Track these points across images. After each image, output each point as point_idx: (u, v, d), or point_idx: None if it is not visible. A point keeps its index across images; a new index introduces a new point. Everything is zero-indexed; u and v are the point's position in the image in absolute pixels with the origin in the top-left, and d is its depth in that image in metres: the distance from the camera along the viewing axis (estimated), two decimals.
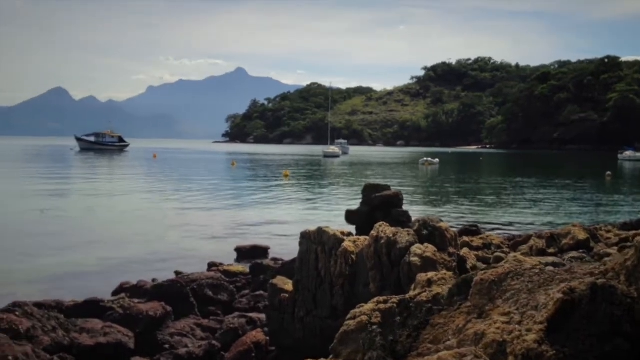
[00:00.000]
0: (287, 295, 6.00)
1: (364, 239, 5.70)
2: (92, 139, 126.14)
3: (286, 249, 16.37)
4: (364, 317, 3.57)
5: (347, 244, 5.55)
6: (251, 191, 36.19)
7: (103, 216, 23.02)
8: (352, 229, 8.31)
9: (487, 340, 3.00)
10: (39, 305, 8.90)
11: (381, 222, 5.58)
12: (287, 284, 6.21)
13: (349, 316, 3.78)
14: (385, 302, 3.59)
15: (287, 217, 23.76)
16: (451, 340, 3.16)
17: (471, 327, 3.15)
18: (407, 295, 3.66)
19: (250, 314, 8.41)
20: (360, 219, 11.36)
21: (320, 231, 5.69)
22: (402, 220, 10.64)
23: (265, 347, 6.14)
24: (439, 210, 26.08)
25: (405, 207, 11.88)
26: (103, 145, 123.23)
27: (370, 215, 11.22)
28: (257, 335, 6.25)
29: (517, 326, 3.05)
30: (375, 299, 3.70)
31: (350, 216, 11.71)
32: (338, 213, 24.73)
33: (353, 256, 5.48)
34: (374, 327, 3.29)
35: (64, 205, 26.66)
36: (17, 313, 7.60)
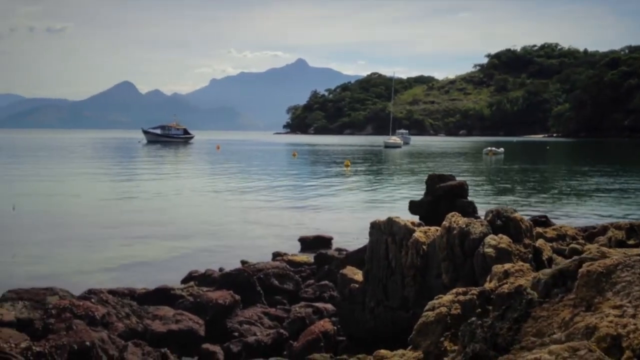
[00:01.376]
0: (357, 286, 5.98)
1: (434, 230, 5.61)
2: (159, 131, 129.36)
3: (349, 239, 16.37)
4: (443, 309, 3.50)
5: (418, 234, 5.48)
6: (312, 181, 36.35)
7: (170, 207, 23.59)
8: (415, 219, 8.21)
9: (599, 334, 2.89)
10: (112, 292, 9.21)
11: (453, 213, 5.48)
12: (357, 274, 6.19)
13: (427, 307, 3.72)
14: (464, 293, 3.52)
15: (348, 207, 23.75)
16: (558, 333, 3.05)
17: (580, 320, 3.03)
18: (486, 287, 3.58)
19: (317, 304, 8.44)
20: (423, 209, 11.24)
21: (390, 221, 5.64)
22: (468, 210, 10.45)
23: (334, 336, 6.15)
24: (505, 201, 25.52)
25: (469, 198, 11.69)
26: (169, 137, 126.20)
27: (434, 206, 11.09)
28: (325, 324, 6.27)
29: (631, 319, 2.92)
30: (454, 290, 3.63)
31: (413, 206, 11.60)
32: (400, 203, 24.53)
33: (424, 247, 5.41)
34: (474, 319, 3.21)
35: (133, 196, 27.47)
36: (92, 300, 7.88)
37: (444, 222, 5.24)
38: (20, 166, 48.25)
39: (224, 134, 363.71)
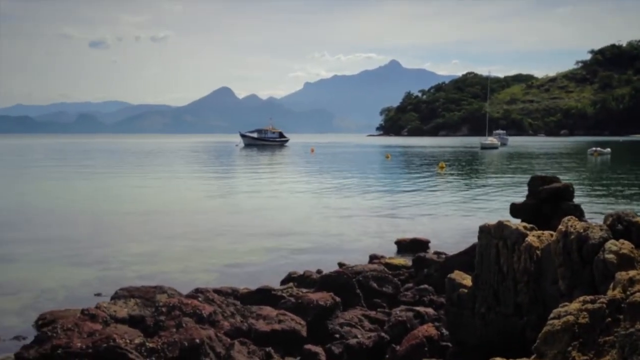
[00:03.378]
0: (465, 291, 5.83)
1: (548, 234, 5.36)
2: (255, 135, 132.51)
3: (446, 242, 16.07)
4: (570, 317, 3.33)
5: (531, 238, 5.25)
6: (406, 184, 35.98)
7: (266, 209, 24.03)
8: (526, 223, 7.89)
9: None
10: (217, 291, 9.48)
11: (569, 217, 5.20)
12: (466, 279, 6.03)
13: (552, 315, 3.54)
14: (592, 302, 3.33)
15: (444, 210, 23.32)
16: None
17: None
18: (616, 296, 3.37)
19: (417, 308, 8.32)
20: (526, 212, 10.81)
21: (501, 225, 5.45)
22: (575, 214, 9.96)
23: (438, 342, 6.03)
24: (614, 204, 24.21)
25: (575, 201, 11.15)
26: (265, 140, 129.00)
27: (537, 209, 10.64)
28: (429, 329, 6.16)
29: None
30: (581, 299, 3.44)
31: (515, 209, 11.19)
32: (499, 206, 23.82)
33: (538, 252, 5.17)
34: (631, 329, 3.04)
35: (231, 198, 28.24)
36: (199, 299, 8.14)
37: (559, 227, 4.99)
38: (123, 169, 50.83)
39: (317, 136, 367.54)
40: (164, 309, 7.47)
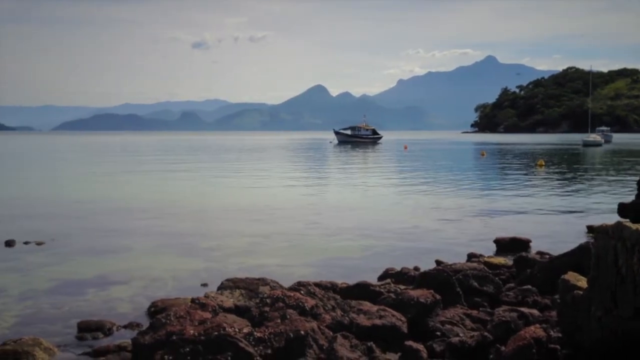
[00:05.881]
0: (580, 292, 5.64)
1: None
2: (349, 132, 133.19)
3: (547, 242, 15.60)
4: None
5: None
6: (503, 181, 35.05)
7: (361, 205, 24.15)
8: None
9: None
10: (317, 285, 9.65)
11: None
12: (580, 280, 5.84)
13: None
14: None
15: (544, 209, 22.56)
16: None
17: None
18: None
19: (521, 308, 8.13)
20: (636, 211, 10.32)
21: (620, 226, 5.23)
22: None
23: (546, 344, 5.88)
24: None
25: None
26: (359, 137, 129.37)
27: None
28: (537, 331, 6.00)
29: None
30: None
31: (624, 209, 10.71)
32: (604, 206, 22.78)
33: None
34: None
35: (327, 194, 28.56)
36: (302, 292, 8.33)
37: None
38: (223, 164, 52.48)
39: (411, 133, 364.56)
40: (268, 301, 7.70)
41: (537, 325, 6.45)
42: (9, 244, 15.50)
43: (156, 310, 9.31)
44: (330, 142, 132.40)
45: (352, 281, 10.72)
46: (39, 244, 15.57)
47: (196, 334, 6.40)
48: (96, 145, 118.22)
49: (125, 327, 9.04)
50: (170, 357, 6.11)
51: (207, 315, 7.11)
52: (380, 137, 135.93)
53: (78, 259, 13.93)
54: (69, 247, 15.17)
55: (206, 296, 8.67)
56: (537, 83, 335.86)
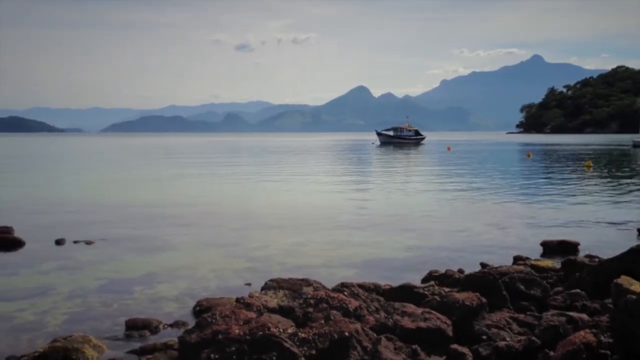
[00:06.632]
0: (633, 297, 5.48)
1: None
2: (391, 133, 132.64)
3: (596, 245, 15.25)
4: None
5: None
6: (549, 183, 34.32)
7: (403, 206, 23.97)
8: None
9: None
10: (360, 286, 9.63)
11: None
12: (633, 285, 5.67)
13: None
14: None
15: (592, 211, 22.00)
16: None
17: None
18: None
19: (570, 313, 7.94)
20: None
21: None
22: None
23: (596, 349, 5.72)
24: None
25: None
26: (401, 138, 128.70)
27: None
28: (587, 335, 5.85)
29: None
30: None
31: None
32: None
33: None
34: None
35: (368, 195, 28.46)
36: (345, 293, 8.32)
37: None
38: (269, 166, 52.86)
39: (454, 134, 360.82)
40: (311, 301, 7.72)
41: (587, 330, 6.29)
42: (59, 242, 15.94)
43: (201, 309, 9.42)
44: (373, 143, 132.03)
45: (395, 283, 10.67)
46: (88, 243, 15.95)
47: (241, 333, 6.45)
48: (143, 147, 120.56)
49: (171, 325, 9.17)
50: (216, 356, 6.17)
51: (252, 315, 7.16)
52: (423, 138, 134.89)
53: (125, 258, 14.22)
54: (117, 247, 15.50)
55: (250, 296, 8.73)
56: (585, 82, 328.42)
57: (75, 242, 16.08)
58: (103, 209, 23.17)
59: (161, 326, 9.06)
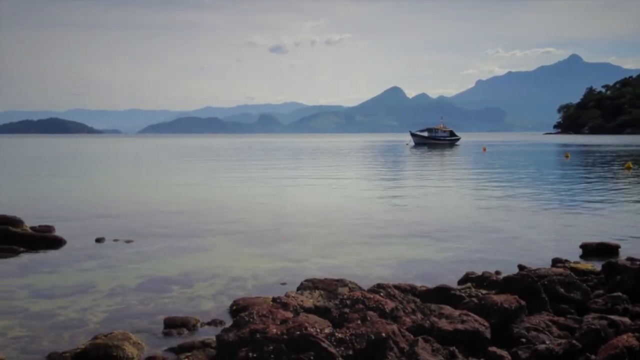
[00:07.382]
0: None
1: None
2: (425, 134, 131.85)
3: (638, 247, 14.93)
4: None
5: None
6: (588, 184, 33.66)
7: (439, 206, 23.81)
8: None
9: None
10: (396, 287, 9.59)
11: None
12: None
13: None
14: None
15: (632, 213, 21.54)
16: None
17: None
18: None
19: (611, 316, 7.79)
20: None
21: None
22: None
23: (639, 353, 5.60)
24: None
25: None
26: (435, 139, 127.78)
27: None
28: (630, 339, 5.73)
29: None
30: None
31: None
32: None
33: None
34: None
35: (401, 196, 28.32)
36: (381, 294, 8.31)
37: None
38: (296, 167, 53.00)
39: (490, 135, 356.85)
40: (348, 302, 7.72)
41: (630, 334, 6.16)
42: (99, 240, 16.25)
43: (238, 308, 9.50)
44: (407, 144, 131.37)
45: (431, 284, 10.61)
46: (127, 241, 16.23)
47: (279, 332, 6.49)
48: (180, 148, 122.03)
49: (208, 324, 9.27)
50: (254, 355, 6.22)
51: (289, 314, 7.20)
52: (458, 139, 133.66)
53: (163, 257, 14.42)
54: (155, 246, 15.73)
55: (286, 296, 8.78)
56: (625, 82, 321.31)
57: (115, 240, 16.37)
58: (143, 209, 23.53)
59: (199, 324, 9.17)
